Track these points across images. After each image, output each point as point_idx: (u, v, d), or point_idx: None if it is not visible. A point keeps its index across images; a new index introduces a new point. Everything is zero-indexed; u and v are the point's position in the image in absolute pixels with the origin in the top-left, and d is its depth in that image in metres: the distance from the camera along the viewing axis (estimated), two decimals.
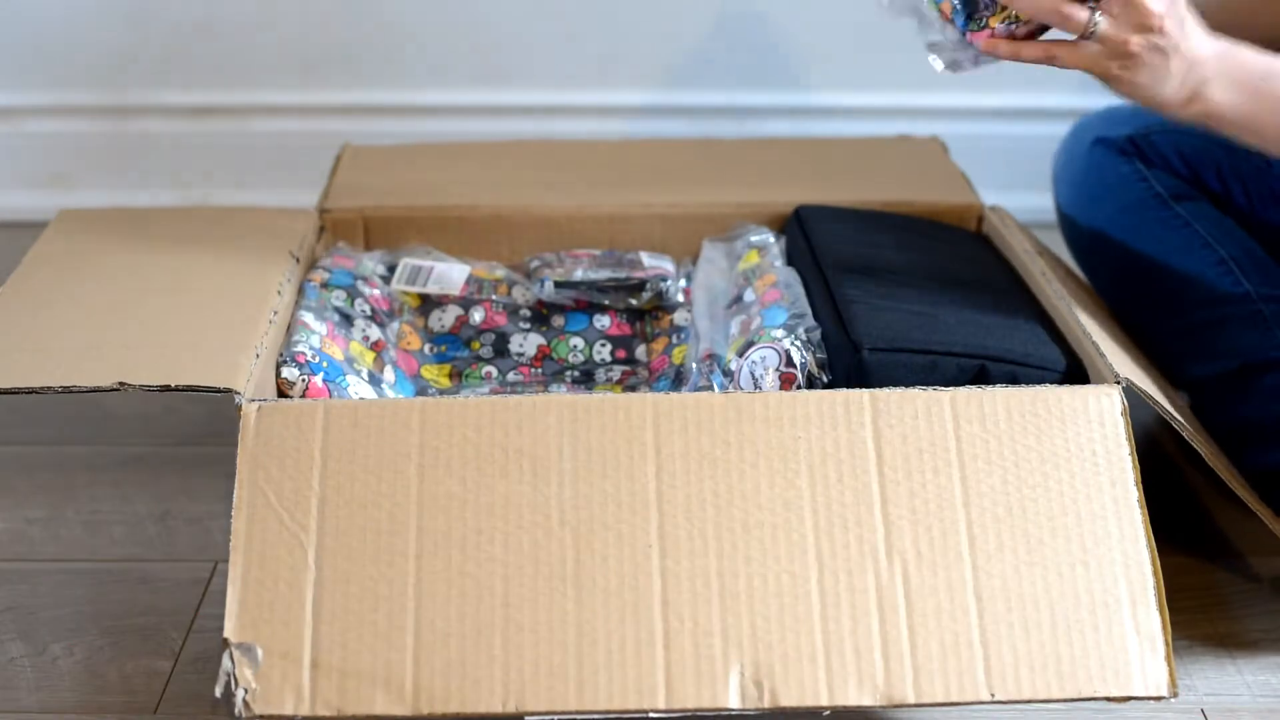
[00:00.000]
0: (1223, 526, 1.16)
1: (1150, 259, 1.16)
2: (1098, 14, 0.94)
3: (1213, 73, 0.97)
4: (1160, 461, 1.23)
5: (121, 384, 0.90)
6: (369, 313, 1.11)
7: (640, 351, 1.16)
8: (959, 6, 0.99)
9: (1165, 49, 0.95)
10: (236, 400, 0.90)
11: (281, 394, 0.99)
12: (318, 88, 1.70)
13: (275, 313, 1.02)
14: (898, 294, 1.07)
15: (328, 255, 1.17)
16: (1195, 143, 1.19)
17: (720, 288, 1.16)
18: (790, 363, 1.00)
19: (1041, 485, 0.89)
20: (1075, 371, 1.01)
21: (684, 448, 0.89)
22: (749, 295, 1.11)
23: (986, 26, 0.99)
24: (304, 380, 0.99)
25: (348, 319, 1.09)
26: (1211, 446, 1.00)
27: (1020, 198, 1.42)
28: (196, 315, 1.00)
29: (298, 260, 1.12)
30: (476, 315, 1.16)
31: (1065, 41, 0.97)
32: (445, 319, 1.16)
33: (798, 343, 1.00)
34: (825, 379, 1.00)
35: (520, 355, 1.14)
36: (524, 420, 0.90)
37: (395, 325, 1.14)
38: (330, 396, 0.99)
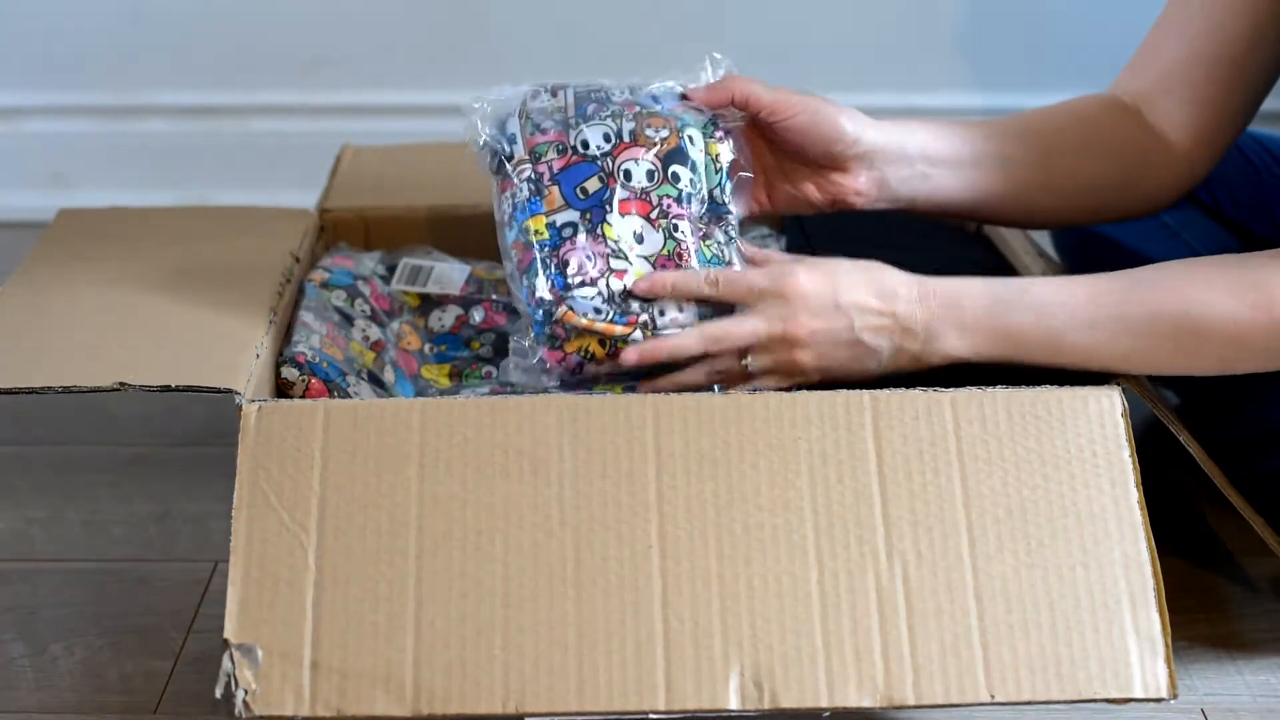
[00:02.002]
0: (1220, 528, 1.16)
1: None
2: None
3: (939, 326, 0.90)
4: (1154, 463, 1.23)
5: (121, 384, 0.90)
6: (369, 313, 1.11)
7: None
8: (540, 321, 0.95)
9: (833, 344, 0.90)
10: (236, 400, 0.90)
11: (281, 394, 0.99)
12: (318, 88, 1.70)
13: (275, 313, 1.02)
14: None
15: (328, 255, 1.17)
16: None
17: None
18: None
19: (1042, 486, 0.89)
20: (1075, 371, 1.00)
21: (684, 448, 0.89)
22: None
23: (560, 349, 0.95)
24: (304, 380, 0.99)
25: (348, 319, 1.09)
26: (1203, 452, 1.00)
27: None
28: (196, 315, 1.00)
29: (298, 260, 1.12)
30: (476, 315, 1.16)
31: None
32: (445, 319, 1.16)
33: None
34: None
35: None
36: (524, 420, 0.90)
37: (395, 325, 1.14)
38: (331, 396, 0.99)
